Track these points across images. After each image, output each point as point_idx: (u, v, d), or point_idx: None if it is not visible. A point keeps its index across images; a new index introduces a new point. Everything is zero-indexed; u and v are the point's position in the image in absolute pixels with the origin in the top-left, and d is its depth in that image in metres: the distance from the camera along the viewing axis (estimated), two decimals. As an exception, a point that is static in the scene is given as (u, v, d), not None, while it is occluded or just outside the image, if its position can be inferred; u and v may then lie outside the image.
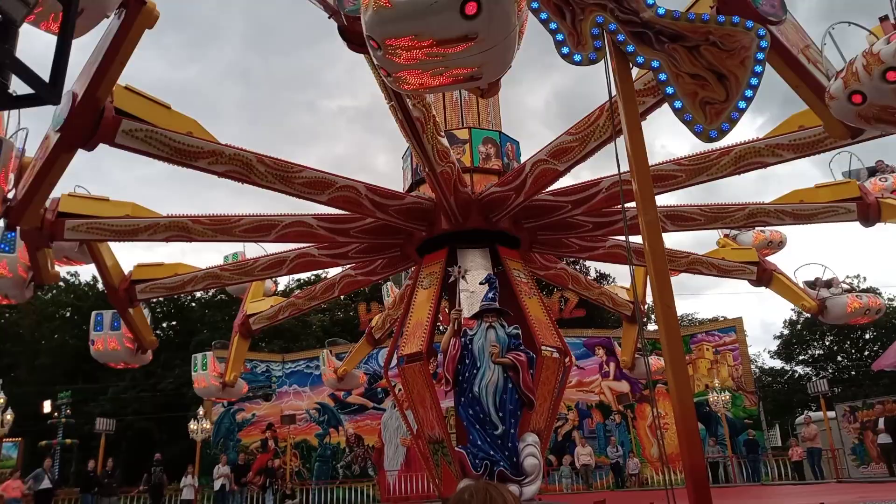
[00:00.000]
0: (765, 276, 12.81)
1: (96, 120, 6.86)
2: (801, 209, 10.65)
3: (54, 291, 38.84)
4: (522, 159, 11.60)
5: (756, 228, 13.19)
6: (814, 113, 8.68)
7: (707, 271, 12.86)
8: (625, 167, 3.97)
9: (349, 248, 11.26)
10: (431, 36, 3.60)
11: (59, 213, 8.89)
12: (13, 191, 7.35)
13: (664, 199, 10.61)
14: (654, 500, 7.36)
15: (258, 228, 9.75)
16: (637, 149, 2.57)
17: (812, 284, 13.13)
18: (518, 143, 11.94)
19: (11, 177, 6.62)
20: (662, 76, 2.64)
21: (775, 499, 11.54)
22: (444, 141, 8.93)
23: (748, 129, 75.55)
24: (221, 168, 7.94)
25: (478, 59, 3.79)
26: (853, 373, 37.43)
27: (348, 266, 12.91)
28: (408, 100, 7.59)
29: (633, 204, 3.53)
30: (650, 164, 9.27)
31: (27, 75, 2.32)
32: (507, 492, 1.45)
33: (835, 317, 12.92)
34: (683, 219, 10.83)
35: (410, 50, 3.69)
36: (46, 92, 2.27)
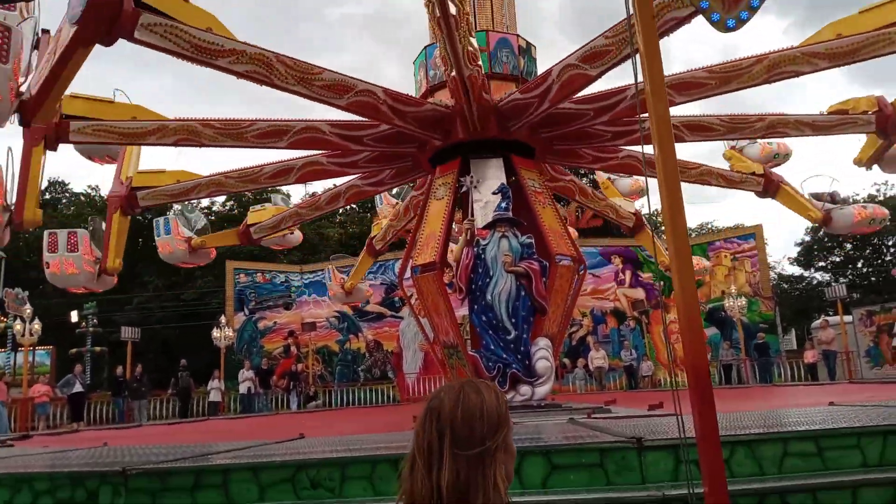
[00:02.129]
0: (771, 187, 12.74)
1: (115, 12, 6.47)
2: (821, 120, 10.41)
3: (75, 206, 39.28)
4: (539, 65, 11.17)
5: (763, 140, 12.89)
6: (850, 23, 8.29)
7: (716, 182, 12.89)
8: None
9: (359, 156, 11.06)
10: None
11: (63, 114, 8.71)
12: (26, 83, 6.94)
13: (689, 109, 10.29)
14: (663, 399, 7.51)
15: (270, 134, 9.50)
16: (650, 44, 2.38)
17: (818, 196, 13.21)
18: (535, 46, 11.44)
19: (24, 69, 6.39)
20: (682, -43, 2.42)
21: (783, 398, 11.78)
22: (475, 42, 8.55)
23: (774, 31, 72.35)
24: (242, 68, 7.54)
25: None
26: (872, 279, 37.32)
27: (355, 175, 12.67)
28: None
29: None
30: (678, 71, 8.98)
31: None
32: (487, 389, 1.36)
33: (841, 227, 13.19)
34: (702, 129, 10.53)
35: None
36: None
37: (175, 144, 9.40)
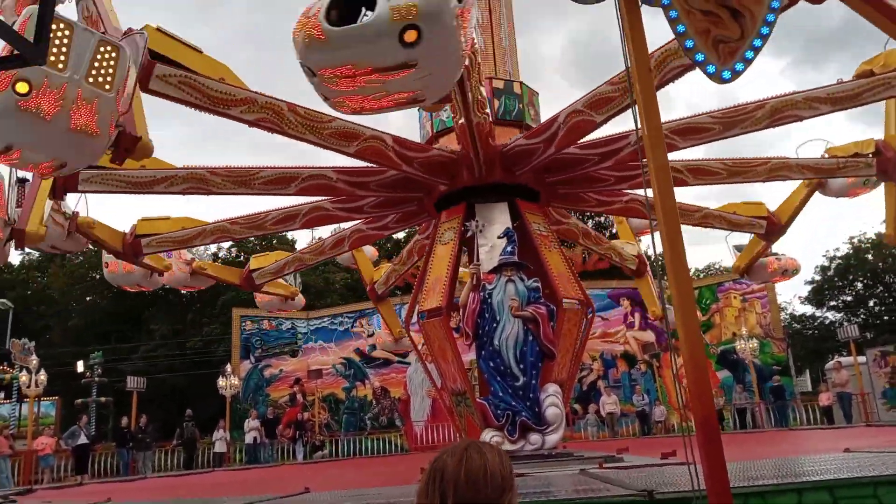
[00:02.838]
0: (774, 229, 12.70)
1: None
2: (823, 163, 10.55)
3: (83, 255, 39.56)
4: (541, 110, 11.32)
5: None
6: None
7: (718, 225, 12.90)
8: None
9: (364, 201, 11.13)
10: (370, 64, 3.44)
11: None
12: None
13: (691, 154, 10.41)
14: (676, 446, 7.34)
15: (277, 181, 9.58)
16: (647, 93, 2.42)
17: (739, 248, 14.71)
18: (538, 93, 11.62)
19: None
20: (673, 13, 2.46)
21: (798, 443, 11.52)
22: (484, 91, 8.70)
23: (772, 72, 73.47)
24: (253, 116, 7.67)
25: (420, 82, 3.66)
26: (885, 318, 36.90)
27: (359, 220, 12.70)
28: None
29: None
30: (681, 117, 9.10)
31: (11, 37, 2.23)
32: (491, 450, 1.35)
33: (756, 277, 14.92)
34: (705, 173, 10.61)
35: (349, 78, 3.54)
36: (30, 51, 2.18)
37: (183, 193, 9.48)
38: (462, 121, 8.74)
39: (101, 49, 4.35)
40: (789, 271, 14.40)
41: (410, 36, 3.29)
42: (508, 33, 11.73)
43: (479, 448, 1.34)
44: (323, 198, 11.21)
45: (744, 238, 14.21)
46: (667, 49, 7.10)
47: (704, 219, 12.58)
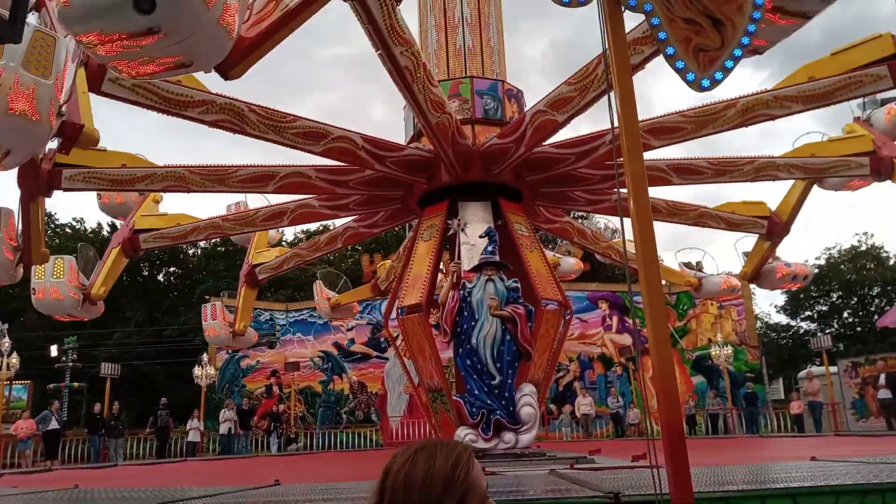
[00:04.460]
0: (776, 229, 12.53)
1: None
2: (813, 163, 10.44)
3: (60, 238, 38.99)
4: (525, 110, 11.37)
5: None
6: (822, 65, 8.44)
7: (716, 225, 12.72)
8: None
9: (349, 199, 11.17)
10: (116, 31, 3.46)
11: (56, 163, 8.79)
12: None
13: (670, 153, 10.45)
14: (647, 449, 7.40)
15: (255, 179, 9.66)
16: (625, 96, 2.43)
17: (689, 265, 15.39)
18: (522, 92, 11.66)
19: None
20: (655, 20, 2.48)
21: (767, 450, 11.66)
22: (438, 91, 8.70)
23: (751, 84, 74.22)
24: (212, 117, 7.81)
25: (177, 48, 3.68)
26: (858, 329, 37.51)
27: (351, 218, 12.89)
28: (396, 48, 7.33)
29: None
30: (654, 116, 9.16)
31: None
32: (446, 455, 1.28)
33: (706, 293, 15.30)
34: (691, 171, 10.64)
35: (105, 44, 3.56)
36: (6, 29, 2.15)
37: (164, 190, 9.55)
38: (422, 121, 8.82)
39: (37, 38, 4.58)
40: (799, 277, 13.80)
41: (143, 3, 3.32)
42: (497, 32, 11.76)
43: (430, 452, 1.29)
44: (309, 196, 11.29)
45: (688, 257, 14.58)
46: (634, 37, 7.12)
47: (700, 218, 12.43)
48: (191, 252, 38.78)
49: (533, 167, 10.14)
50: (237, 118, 7.94)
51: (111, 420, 19.55)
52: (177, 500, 4.71)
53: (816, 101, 8.30)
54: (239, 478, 8.75)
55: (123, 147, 9.67)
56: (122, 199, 11.81)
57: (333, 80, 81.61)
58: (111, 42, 3.53)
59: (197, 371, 22.25)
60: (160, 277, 39.71)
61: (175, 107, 7.53)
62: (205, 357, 22.82)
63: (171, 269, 39.57)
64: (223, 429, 20.57)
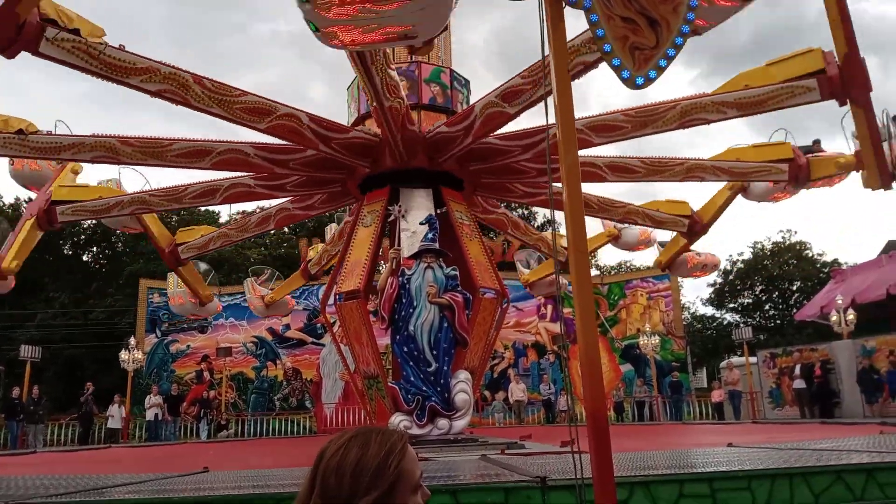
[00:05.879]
0: (696, 227, 13.17)
1: (19, 24, 6.25)
2: (737, 167, 10.93)
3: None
4: (471, 98, 11.41)
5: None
6: (758, 74, 8.80)
7: (642, 221, 13.28)
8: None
9: (287, 180, 10.94)
10: None
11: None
12: None
13: (606, 150, 10.68)
14: (576, 435, 7.62)
15: (191, 154, 9.30)
16: (562, 85, 2.49)
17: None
18: (469, 81, 11.69)
19: None
20: (594, 17, 2.55)
21: (688, 436, 12.18)
22: (394, 74, 8.66)
23: (681, 82, 76.71)
24: (155, 87, 7.42)
25: (413, 17, 3.65)
26: (778, 322, 39.39)
27: (286, 199, 12.56)
28: None
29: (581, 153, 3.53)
30: (597, 113, 9.35)
31: None
32: (380, 443, 1.28)
33: (623, 244, 15.20)
34: (624, 170, 10.95)
35: (343, 5, 3.51)
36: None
37: (92, 161, 9.05)
38: (375, 104, 8.74)
39: None
40: (708, 266, 14.90)
41: None
42: (442, 20, 11.72)
43: (365, 439, 1.30)
44: (244, 174, 10.96)
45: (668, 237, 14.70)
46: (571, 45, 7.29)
47: (628, 214, 12.95)
48: (118, 231, 37.29)
49: (477, 157, 10.19)
50: (182, 89, 7.57)
51: (30, 405, 18.72)
52: (97, 488, 4.56)
53: (751, 109, 8.63)
54: (166, 465, 8.54)
55: (50, 116, 9.20)
56: (37, 166, 10.94)
57: (271, 58, 79.69)
58: (352, 3, 3.40)
59: (123, 355, 21.52)
60: (86, 258, 38.07)
61: (116, 73, 7.09)
62: (132, 341, 22.08)
63: (98, 248, 37.97)
64: (149, 415, 20.01)
